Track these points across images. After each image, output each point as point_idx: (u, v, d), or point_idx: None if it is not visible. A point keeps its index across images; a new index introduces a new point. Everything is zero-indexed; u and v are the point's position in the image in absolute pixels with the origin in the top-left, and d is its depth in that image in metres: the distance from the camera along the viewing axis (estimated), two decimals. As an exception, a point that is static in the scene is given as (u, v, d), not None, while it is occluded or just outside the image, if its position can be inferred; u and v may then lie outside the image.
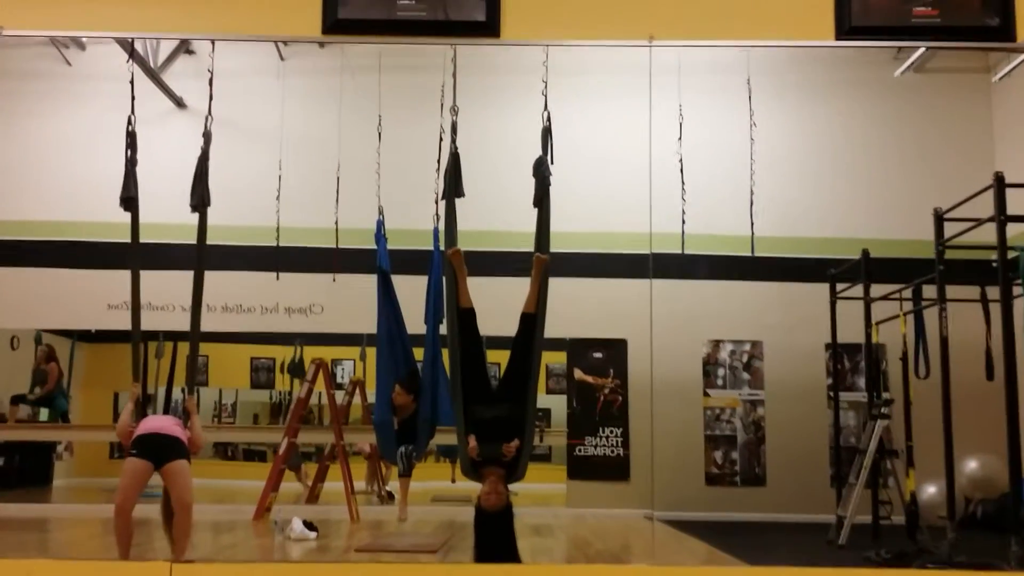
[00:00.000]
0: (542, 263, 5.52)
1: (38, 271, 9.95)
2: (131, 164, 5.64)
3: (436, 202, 6.52)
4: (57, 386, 11.53)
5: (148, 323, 9.24)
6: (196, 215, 5.81)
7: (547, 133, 5.65)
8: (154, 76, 9.71)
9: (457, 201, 5.75)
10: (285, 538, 7.48)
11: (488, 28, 4.76)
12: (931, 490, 8.56)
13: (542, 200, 5.63)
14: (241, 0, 4.87)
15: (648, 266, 8.38)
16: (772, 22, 4.81)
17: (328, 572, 2.98)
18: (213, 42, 5.43)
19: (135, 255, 5.84)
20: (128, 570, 3.14)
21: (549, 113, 5.63)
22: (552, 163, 5.65)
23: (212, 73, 5.64)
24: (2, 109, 10.21)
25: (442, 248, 6.02)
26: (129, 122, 5.59)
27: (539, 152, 5.68)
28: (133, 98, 5.64)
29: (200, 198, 5.79)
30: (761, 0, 4.84)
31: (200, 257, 5.88)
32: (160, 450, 5.49)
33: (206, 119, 5.72)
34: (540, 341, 5.47)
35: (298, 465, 11.26)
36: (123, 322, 8.12)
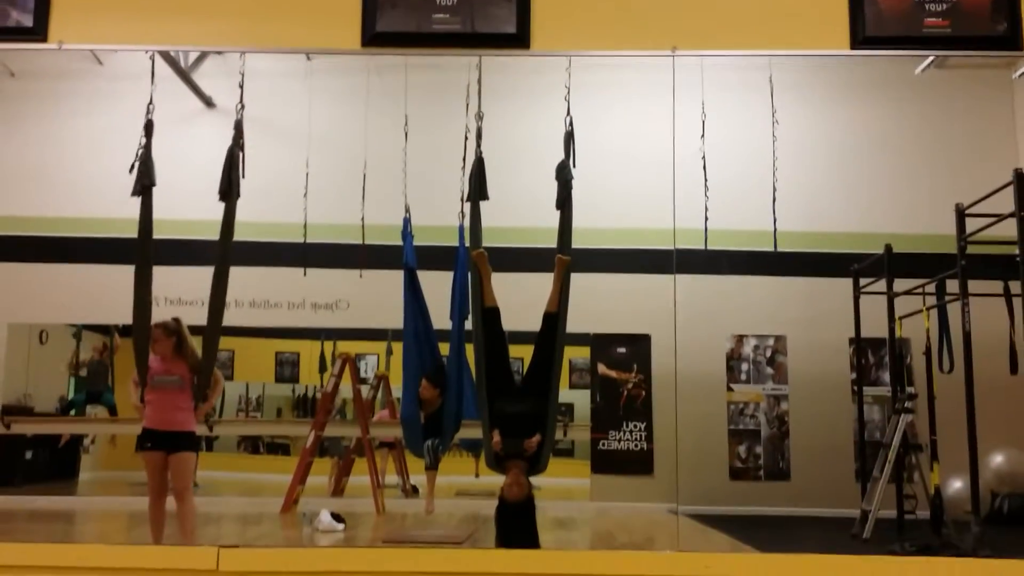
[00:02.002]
0: (564, 264, 5.66)
1: (69, 267, 10.12)
2: (147, 152, 5.71)
3: (461, 200, 6.62)
4: (104, 382, 11.78)
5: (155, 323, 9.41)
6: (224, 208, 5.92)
7: (569, 138, 5.79)
8: (184, 76, 9.83)
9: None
10: (314, 529, 7.59)
11: (519, 40, 4.99)
12: (957, 485, 8.54)
13: (564, 203, 5.77)
14: (281, 14, 5.03)
15: (672, 262, 8.42)
16: (790, 32, 5.04)
17: (371, 557, 3.07)
18: (242, 54, 5.58)
19: (146, 246, 5.76)
20: (178, 554, 3.23)
21: (572, 118, 5.76)
22: (574, 166, 5.76)
23: (243, 85, 5.76)
24: (37, 109, 10.41)
25: (467, 245, 6.15)
26: (148, 111, 5.71)
27: (562, 147, 5.80)
28: (153, 81, 5.74)
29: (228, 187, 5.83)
30: (779, 11, 5.05)
31: (224, 241, 5.86)
32: (169, 442, 5.81)
33: (237, 108, 5.84)
34: (562, 339, 5.62)
35: (340, 453, 11.32)
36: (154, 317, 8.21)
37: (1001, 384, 7.33)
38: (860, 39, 4.88)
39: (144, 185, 5.65)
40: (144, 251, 5.69)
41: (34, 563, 3.31)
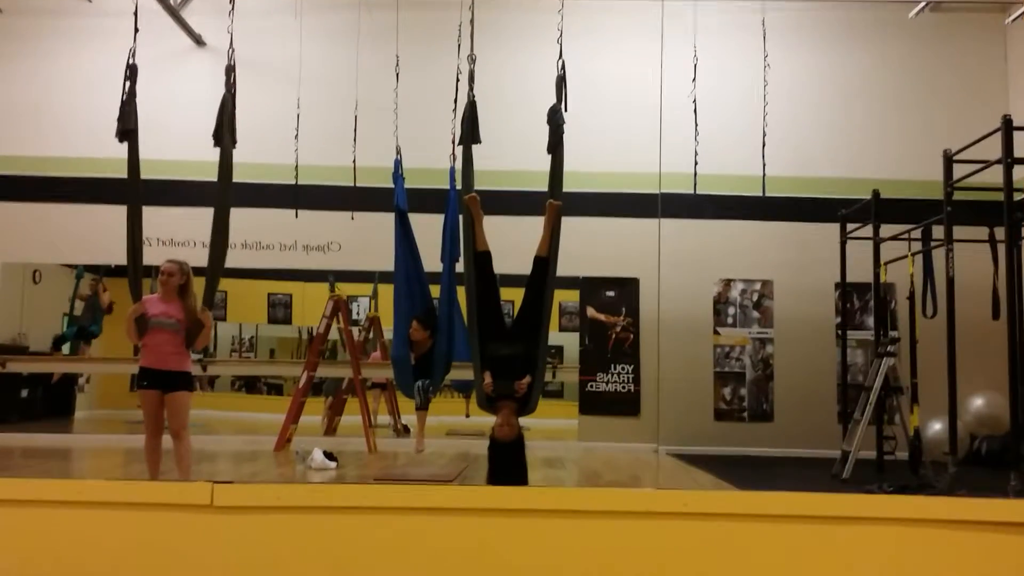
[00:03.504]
0: (555, 208, 5.69)
1: (61, 206, 10.09)
2: (130, 97, 5.68)
3: (452, 142, 6.64)
4: (92, 317, 11.94)
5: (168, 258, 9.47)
6: (216, 151, 5.97)
7: (561, 82, 5.77)
8: (174, 14, 9.71)
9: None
10: (306, 467, 7.72)
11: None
12: (937, 427, 8.67)
13: (555, 147, 5.78)
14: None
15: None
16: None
17: (364, 492, 3.16)
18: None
19: (134, 189, 5.80)
20: (173, 490, 3.31)
21: (564, 62, 5.73)
22: (566, 110, 5.76)
23: (231, 31, 5.75)
24: (26, 47, 10.31)
25: (458, 188, 6.18)
26: (130, 55, 5.68)
27: (553, 89, 5.81)
28: (136, 30, 5.72)
29: (221, 135, 5.90)
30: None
31: (223, 184, 5.97)
32: (165, 381, 5.88)
33: (229, 53, 5.84)
34: (552, 283, 5.68)
35: (332, 392, 11.45)
36: (146, 258, 8.29)
37: (983, 329, 7.46)
38: (849, -14, 4.93)
39: (126, 130, 5.64)
40: (134, 193, 5.78)
41: (31, 497, 3.36)
